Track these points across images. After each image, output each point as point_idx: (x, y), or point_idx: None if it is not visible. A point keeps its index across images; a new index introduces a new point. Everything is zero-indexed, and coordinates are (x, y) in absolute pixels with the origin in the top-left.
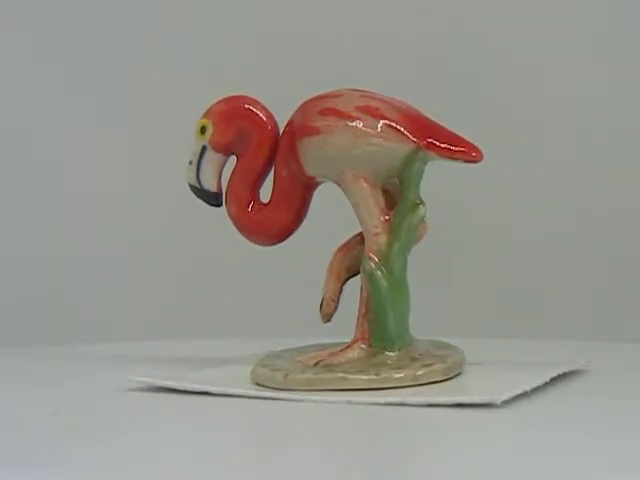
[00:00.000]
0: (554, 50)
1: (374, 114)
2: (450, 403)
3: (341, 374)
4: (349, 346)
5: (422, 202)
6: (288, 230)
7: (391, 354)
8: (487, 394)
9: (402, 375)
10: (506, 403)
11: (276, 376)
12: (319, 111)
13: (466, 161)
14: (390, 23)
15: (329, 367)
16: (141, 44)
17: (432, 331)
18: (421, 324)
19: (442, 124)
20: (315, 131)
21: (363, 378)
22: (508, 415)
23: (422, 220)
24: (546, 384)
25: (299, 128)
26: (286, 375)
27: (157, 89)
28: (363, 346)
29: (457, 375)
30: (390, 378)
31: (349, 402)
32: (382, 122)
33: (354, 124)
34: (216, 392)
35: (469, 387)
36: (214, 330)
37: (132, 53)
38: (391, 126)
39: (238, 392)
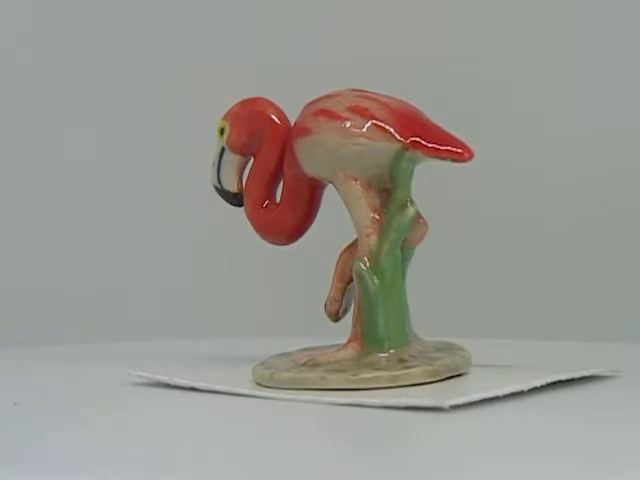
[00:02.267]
0: (554, 50)
1: (363, 114)
2: (402, 405)
3: (321, 374)
4: (343, 346)
5: (412, 202)
6: (297, 230)
7: (382, 355)
8: (439, 398)
9: (379, 376)
10: (460, 407)
11: (265, 374)
12: (313, 112)
13: (454, 160)
14: (390, 23)
15: (316, 366)
16: (152, 44)
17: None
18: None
19: (438, 123)
20: (307, 132)
21: (340, 378)
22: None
23: (412, 220)
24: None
25: (295, 129)
26: (272, 373)
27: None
28: (356, 347)
29: (452, 377)
30: (367, 379)
31: (313, 401)
32: (370, 122)
33: (342, 124)
34: (203, 389)
35: (443, 390)
36: (225, 330)
37: (143, 54)
38: (378, 126)
39: (222, 389)
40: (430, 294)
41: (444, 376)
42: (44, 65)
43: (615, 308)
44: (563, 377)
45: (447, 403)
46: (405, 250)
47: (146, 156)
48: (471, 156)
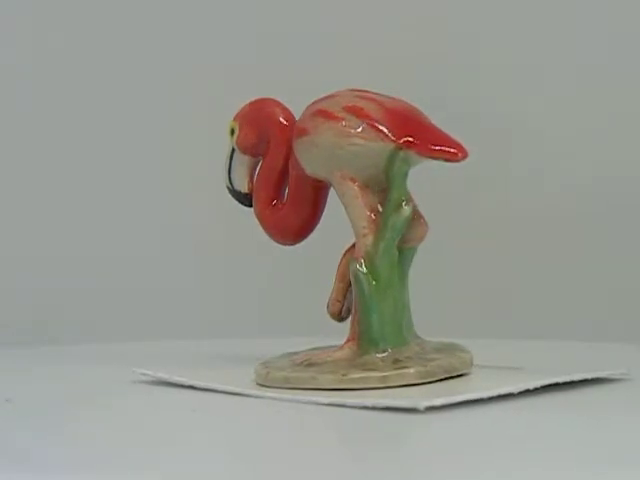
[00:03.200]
0: (554, 50)
1: (359, 114)
2: (380, 406)
3: (312, 374)
4: (341, 347)
5: (408, 202)
6: (302, 230)
7: (378, 355)
8: (417, 399)
9: (368, 376)
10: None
11: (262, 373)
12: (312, 112)
13: (447, 160)
14: (392, 24)
15: (311, 366)
16: (152, 44)
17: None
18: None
19: (435, 123)
20: (304, 132)
21: (330, 378)
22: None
23: (407, 220)
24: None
25: (295, 129)
26: (268, 373)
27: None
28: (353, 347)
29: (451, 378)
30: (356, 379)
31: (296, 401)
32: (365, 122)
33: (338, 125)
34: (200, 386)
35: (431, 391)
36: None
37: (152, 54)
38: (373, 126)
39: (216, 387)
40: (434, 294)
41: (438, 377)
42: (45, 66)
43: (616, 308)
44: (561, 380)
45: (423, 404)
46: (406, 250)
47: (146, 156)
48: (465, 156)
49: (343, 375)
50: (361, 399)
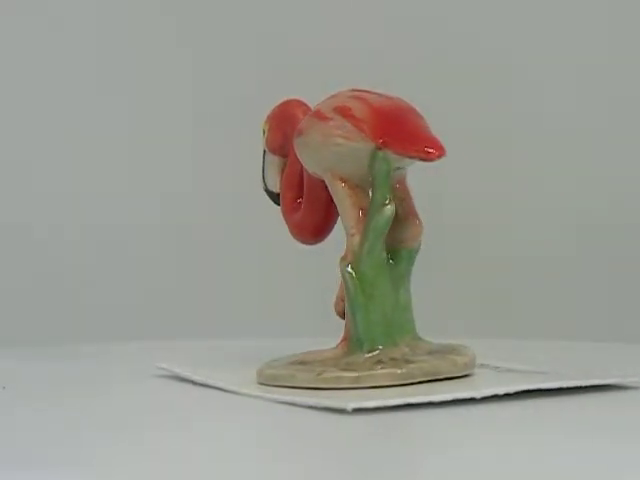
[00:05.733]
0: (554, 51)
1: (345, 114)
2: (319, 406)
3: (292, 372)
4: (336, 347)
5: (390, 202)
6: (319, 230)
7: (365, 356)
8: (344, 401)
9: (341, 376)
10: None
11: (259, 371)
12: (311, 113)
13: (422, 160)
14: (391, 25)
15: (301, 364)
16: (152, 44)
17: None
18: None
19: (422, 122)
20: (299, 133)
21: (306, 377)
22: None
23: (389, 220)
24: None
25: (295, 129)
26: (262, 370)
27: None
28: (344, 347)
29: (450, 379)
30: (329, 378)
31: (259, 397)
32: (349, 122)
33: (325, 125)
34: (199, 381)
35: (394, 394)
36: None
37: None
38: (355, 125)
39: (213, 383)
40: (436, 295)
41: (415, 380)
42: (45, 67)
43: (617, 308)
44: (544, 386)
45: (351, 406)
46: (403, 251)
47: (146, 157)
48: (440, 155)
49: (318, 375)
50: (307, 398)
